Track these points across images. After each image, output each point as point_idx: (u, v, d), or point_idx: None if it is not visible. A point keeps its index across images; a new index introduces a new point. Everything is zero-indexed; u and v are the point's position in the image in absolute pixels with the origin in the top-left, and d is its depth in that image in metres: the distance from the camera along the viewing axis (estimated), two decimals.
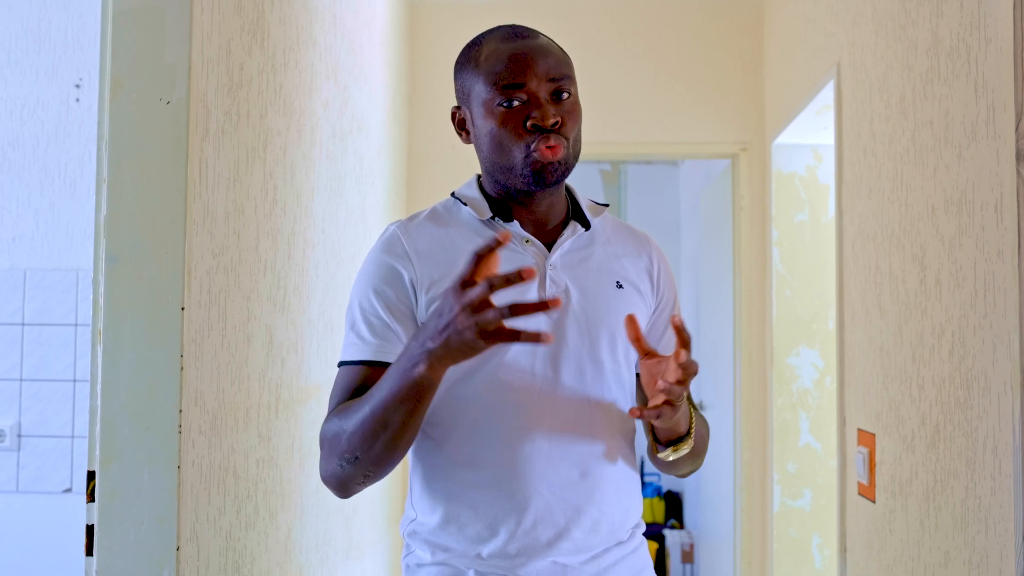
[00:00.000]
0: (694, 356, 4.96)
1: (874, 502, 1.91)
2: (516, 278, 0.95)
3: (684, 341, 1.06)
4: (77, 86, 2.29)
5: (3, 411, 2.22)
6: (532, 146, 1.17)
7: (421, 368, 1.03)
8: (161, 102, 1.31)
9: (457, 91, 1.27)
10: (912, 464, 1.67)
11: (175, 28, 1.32)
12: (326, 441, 1.16)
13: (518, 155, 1.18)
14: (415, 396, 1.06)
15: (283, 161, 1.79)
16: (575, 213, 1.31)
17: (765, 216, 3.23)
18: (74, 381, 2.22)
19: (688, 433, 1.20)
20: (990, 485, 1.33)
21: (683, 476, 1.34)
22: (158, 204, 1.30)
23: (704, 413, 4.08)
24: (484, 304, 0.97)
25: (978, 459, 1.37)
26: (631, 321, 1.13)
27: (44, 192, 2.26)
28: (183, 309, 1.31)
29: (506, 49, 1.20)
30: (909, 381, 1.68)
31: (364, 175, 2.56)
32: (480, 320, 0.96)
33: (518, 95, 1.18)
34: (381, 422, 1.08)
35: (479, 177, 1.31)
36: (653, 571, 1.31)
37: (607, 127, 3.35)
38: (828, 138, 2.82)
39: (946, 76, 1.51)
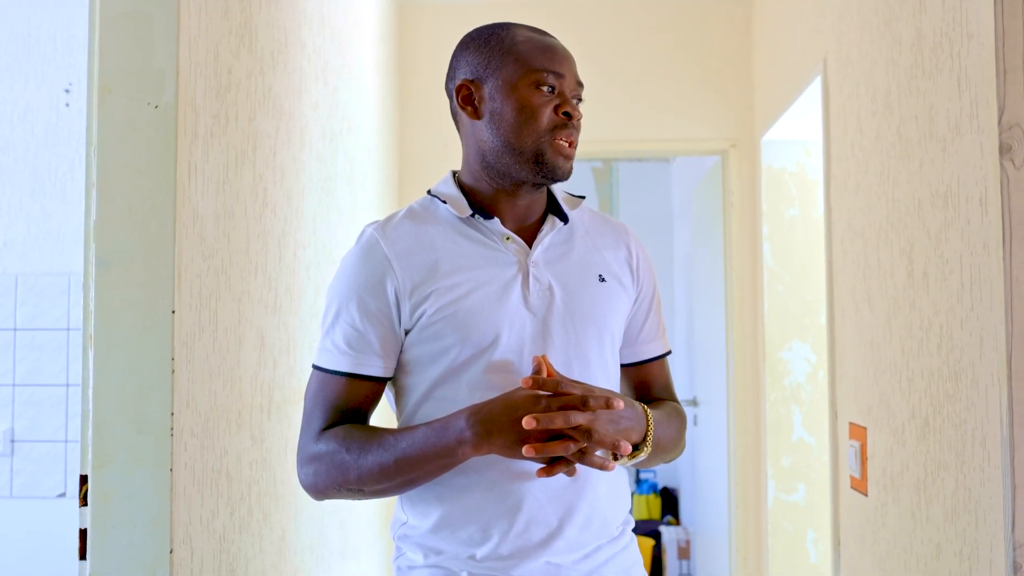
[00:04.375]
0: (689, 352, 4.86)
1: (866, 495, 1.92)
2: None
3: (569, 398, 1.09)
4: (67, 91, 2.29)
5: None
6: (556, 133, 1.19)
7: (467, 450, 1.11)
8: (149, 106, 1.32)
9: (469, 66, 1.24)
10: (903, 457, 1.68)
11: (163, 33, 1.33)
12: (324, 463, 1.18)
13: (537, 138, 1.19)
14: (450, 465, 1.14)
15: (273, 163, 1.79)
16: (552, 207, 1.30)
17: (756, 212, 3.24)
18: (67, 386, 2.22)
19: (644, 440, 1.19)
20: (979, 477, 1.34)
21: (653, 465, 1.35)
22: (147, 208, 1.31)
23: (697, 409, 4.09)
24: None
25: (967, 451, 1.38)
26: (544, 361, 1.14)
27: (35, 196, 2.26)
28: (174, 312, 1.31)
29: (545, 40, 1.23)
30: (899, 374, 1.69)
31: (355, 176, 2.56)
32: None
33: (553, 84, 1.20)
34: (404, 472, 1.14)
35: (454, 173, 1.30)
36: (643, 567, 1.31)
37: (598, 125, 3.35)
38: (817, 134, 2.83)
39: (930, 71, 1.52)
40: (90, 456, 1.27)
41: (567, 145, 1.20)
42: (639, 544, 5.45)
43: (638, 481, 5.37)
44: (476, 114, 1.23)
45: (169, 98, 1.32)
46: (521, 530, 1.17)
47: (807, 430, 3.07)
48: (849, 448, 2.03)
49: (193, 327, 1.39)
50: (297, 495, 1.89)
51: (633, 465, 1.24)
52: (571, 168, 1.22)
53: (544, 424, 1.05)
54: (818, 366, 3.07)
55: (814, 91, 2.41)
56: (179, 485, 1.33)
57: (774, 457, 3.07)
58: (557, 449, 1.07)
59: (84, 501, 1.27)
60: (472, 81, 1.23)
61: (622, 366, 1.34)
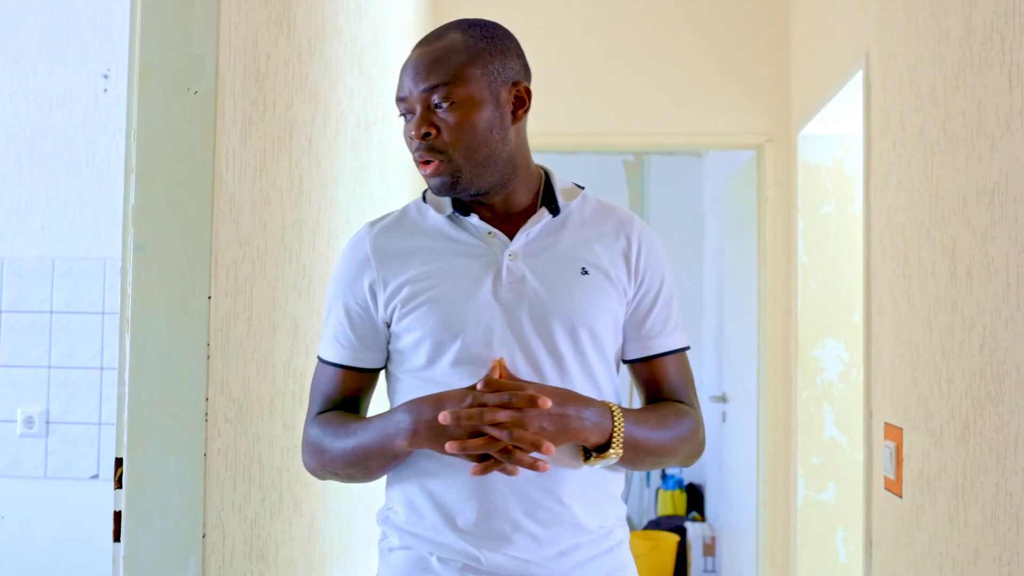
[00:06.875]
0: (718, 348, 4.80)
1: (901, 497, 1.89)
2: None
3: (522, 399, 1.07)
4: (105, 76, 2.31)
5: (32, 398, 2.25)
6: (417, 157, 1.20)
7: (401, 442, 1.14)
8: (189, 92, 1.32)
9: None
10: (941, 459, 1.65)
11: (203, 18, 1.33)
12: (309, 444, 1.25)
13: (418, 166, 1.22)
14: (392, 457, 1.17)
15: (308, 151, 1.79)
16: (549, 198, 1.26)
17: (791, 207, 3.20)
18: (101, 369, 2.24)
19: (610, 442, 1.14)
20: (1022, 481, 1.31)
21: (650, 469, 1.31)
22: (185, 193, 1.31)
23: (726, 405, 4.06)
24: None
25: (1009, 455, 1.35)
26: (501, 365, 1.13)
27: (72, 181, 2.28)
28: (210, 298, 1.32)
29: (407, 62, 1.23)
30: (938, 375, 1.66)
31: (388, 165, 2.56)
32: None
33: (404, 110, 1.21)
34: (361, 460, 1.19)
35: None
36: (635, 572, 1.27)
37: (630, 117, 3.34)
38: (855, 129, 2.78)
39: (979, 65, 1.48)
40: (125, 439, 1.28)
41: (424, 167, 1.19)
42: (664, 540, 5.36)
43: (663, 476, 5.35)
44: None
45: (209, 84, 1.32)
46: (482, 520, 1.15)
47: (839, 429, 3.03)
48: (884, 449, 2.00)
49: (228, 313, 1.39)
50: (326, 483, 1.89)
51: (606, 468, 1.19)
52: (449, 182, 1.18)
53: (458, 420, 1.06)
54: (851, 364, 3.03)
55: (855, 85, 2.37)
56: (213, 470, 1.33)
57: (805, 455, 3.04)
58: (478, 446, 1.06)
59: (119, 484, 1.28)
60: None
61: (630, 362, 1.28)
